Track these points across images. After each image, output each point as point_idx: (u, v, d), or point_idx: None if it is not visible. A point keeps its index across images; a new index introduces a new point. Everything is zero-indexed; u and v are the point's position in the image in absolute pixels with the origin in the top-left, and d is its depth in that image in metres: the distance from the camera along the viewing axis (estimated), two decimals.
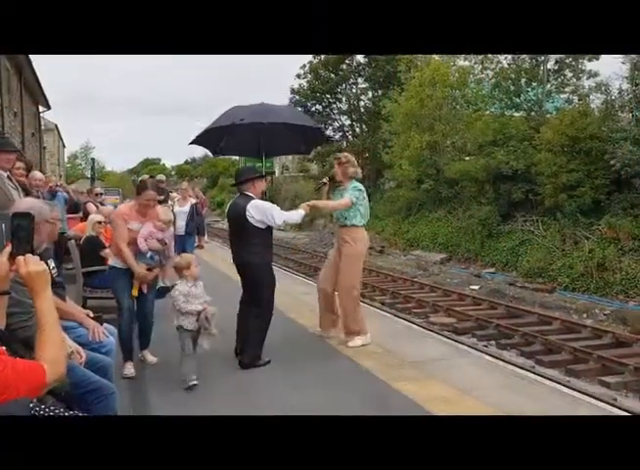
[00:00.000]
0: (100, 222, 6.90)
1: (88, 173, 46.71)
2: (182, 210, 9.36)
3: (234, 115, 5.84)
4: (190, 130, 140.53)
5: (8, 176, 5.05)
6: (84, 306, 6.90)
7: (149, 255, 5.10)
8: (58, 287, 3.64)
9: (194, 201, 9.73)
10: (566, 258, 15.39)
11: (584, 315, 12.50)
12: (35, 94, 27.42)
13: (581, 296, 13.95)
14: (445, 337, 9.70)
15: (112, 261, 5.22)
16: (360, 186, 5.79)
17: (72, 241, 6.76)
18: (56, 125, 46.41)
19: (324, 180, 6.12)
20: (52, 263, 3.66)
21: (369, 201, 5.68)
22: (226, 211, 5.62)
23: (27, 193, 5.88)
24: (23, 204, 3.03)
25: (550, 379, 7.37)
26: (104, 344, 3.51)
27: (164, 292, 7.03)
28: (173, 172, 78.39)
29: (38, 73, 23.65)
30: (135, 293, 5.18)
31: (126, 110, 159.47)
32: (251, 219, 5.05)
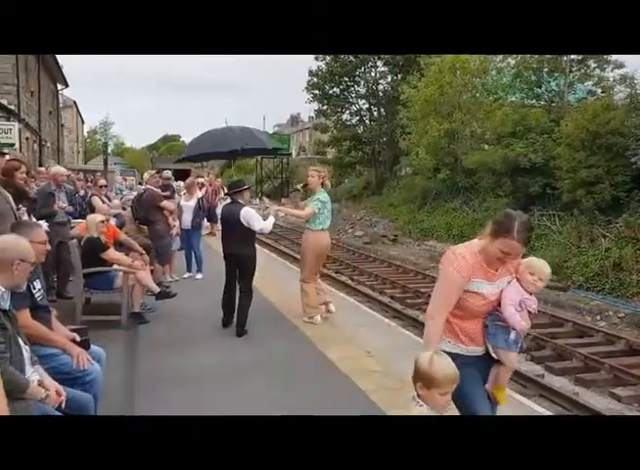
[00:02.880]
0: (102, 221, 6.79)
1: (108, 149, 46.71)
2: (188, 204, 9.26)
3: (235, 140, 7.31)
4: (210, 107, 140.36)
5: None
6: (87, 305, 6.95)
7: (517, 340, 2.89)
8: (43, 311, 3.55)
9: (200, 195, 9.63)
10: (581, 255, 15.06)
11: (598, 317, 12.26)
12: (54, 73, 27.44)
13: (595, 296, 13.67)
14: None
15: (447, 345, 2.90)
16: (324, 197, 6.83)
17: (74, 241, 6.67)
18: (74, 102, 46.51)
19: (298, 187, 7.91)
20: (38, 285, 3.57)
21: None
22: (220, 213, 6.85)
23: (24, 193, 5.82)
24: None
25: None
26: (88, 372, 3.40)
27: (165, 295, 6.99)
28: None
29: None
30: (504, 399, 3.03)
31: (148, 85, 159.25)
32: (243, 221, 6.38)
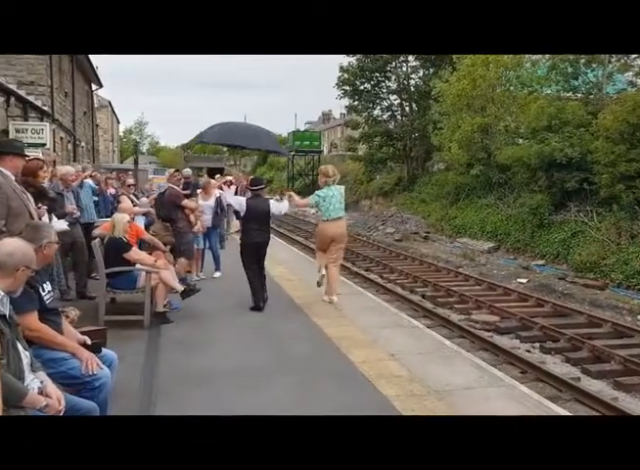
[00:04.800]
0: (128, 222, 6.74)
1: (143, 148, 47.44)
2: (207, 203, 9.21)
3: (248, 137, 8.45)
4: (242, 105, 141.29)
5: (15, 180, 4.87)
6: (112, 304, 6.93)
7: None
8: (52, 313, 3.47)
9: (218, 194, 9.58)
10: (621, 252, 14.54)
11: (638, 317, 11.79)
12: (88, 74, 27.85)
13: (636, 295, 13.16)
14: (485, 340, 9.33)
15: None
16: (323, 193, 7.68)
17: (97, 240, 6.64)
18: (109, 102, 47.29)
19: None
20: (47, 287, 3.49)
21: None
22: (245, 204, 7.54)
23: (44, 193, 5.80)
24: (5, 246, 2.79)
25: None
26: (98, 376, 3.31)
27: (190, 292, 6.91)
28: (225, 148, 78.90)
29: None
30: None
31: (181, 83, 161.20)
32: (271, 213, 7.56)
